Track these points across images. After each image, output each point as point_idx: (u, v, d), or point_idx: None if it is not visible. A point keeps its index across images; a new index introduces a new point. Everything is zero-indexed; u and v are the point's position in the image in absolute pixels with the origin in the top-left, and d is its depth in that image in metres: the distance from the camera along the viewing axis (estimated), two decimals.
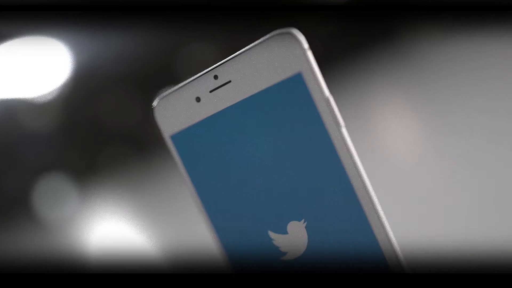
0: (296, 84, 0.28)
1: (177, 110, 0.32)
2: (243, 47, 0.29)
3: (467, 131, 0.90)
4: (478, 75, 1.43)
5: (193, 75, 0.31)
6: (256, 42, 0.29)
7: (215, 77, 0.30)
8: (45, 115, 3.96)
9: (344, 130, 0.27)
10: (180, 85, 0.32)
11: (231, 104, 0.30)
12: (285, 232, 0.31)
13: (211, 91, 0.30)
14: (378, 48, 3.30)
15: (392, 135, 1.20)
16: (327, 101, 0.27)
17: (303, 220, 0.30)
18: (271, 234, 0.31)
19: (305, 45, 0.27)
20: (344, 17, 3.69)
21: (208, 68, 0.31)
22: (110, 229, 1.60)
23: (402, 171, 0.83)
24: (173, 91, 0.32)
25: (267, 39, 0.28)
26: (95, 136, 4.15)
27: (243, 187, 0.31)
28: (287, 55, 0.28)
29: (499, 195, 0.56)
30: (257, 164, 0.30)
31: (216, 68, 0.30)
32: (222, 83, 0.30)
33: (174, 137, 0.33)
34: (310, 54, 0.27)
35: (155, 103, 0.33)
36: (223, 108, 0.30)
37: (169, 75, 3.95)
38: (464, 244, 0.48)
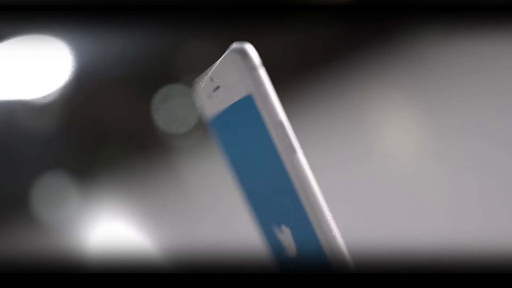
0: (248, 106, 0.26)
1: (201, 98, 0.33)
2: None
3: (467, 132, 0.90)
4: (478, 75, 1.43)
5: (199, 73, 0.32)
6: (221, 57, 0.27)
7: (211, 79, 0.30)
8: (45, 115, 3.96)
9: (298, 157, 0.26)
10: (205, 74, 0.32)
11: (223, 108, 0.30)
12: (281, 232, 0.31)
13: (214, 90, 0.31)
14: (379, 49, 3.30)
15: (392, 135, 1.20)
16: (279, 125, 0.26)
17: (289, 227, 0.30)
18: (274, 229, 0.32)
19: (256, 63, 0.26)
20: (344, 17, 3.69)
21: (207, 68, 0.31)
22: (110, 229, 1.60)
23: (402, 172, 0.83)
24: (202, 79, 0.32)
25: (224, 56, 0.27)
26: (95, 136, 4.15)
27: (251, 183, 0.32)
28: (238, 75, 0.26)
29: (499, 195, 0.56)
30: (252, 166, 0.31)
31: (211, 71, 0.30)
32: (216, 86, 0.30)
33: (211, 121, 0.34)
34: (261, 73, 0.26)
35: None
36: (221, 109, 0.31)
37: (169, 75, 3.96)
38: (464, 244, 0.48)
